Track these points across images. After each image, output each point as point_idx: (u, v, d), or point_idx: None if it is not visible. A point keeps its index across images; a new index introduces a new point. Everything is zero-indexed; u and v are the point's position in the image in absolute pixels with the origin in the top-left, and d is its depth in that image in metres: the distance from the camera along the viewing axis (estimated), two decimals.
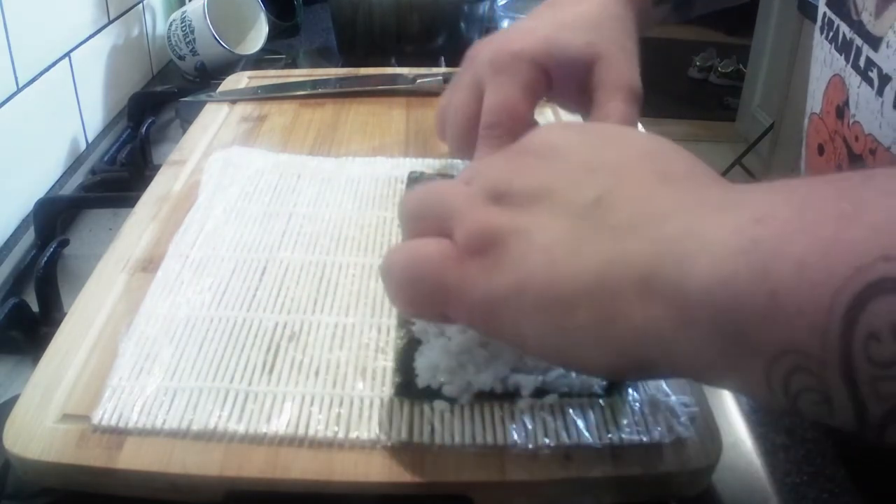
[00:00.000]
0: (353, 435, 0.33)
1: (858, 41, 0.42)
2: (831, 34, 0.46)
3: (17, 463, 0.33)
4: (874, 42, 0.39)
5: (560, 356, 0.28)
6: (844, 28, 0.44)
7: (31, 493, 0.34)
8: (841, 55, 0.44)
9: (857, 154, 0.44)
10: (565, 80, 0.43)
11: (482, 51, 0.44)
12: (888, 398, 0.20)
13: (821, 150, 0.50)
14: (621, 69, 0.41)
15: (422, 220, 0.31)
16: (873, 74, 0.40)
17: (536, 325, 0.27)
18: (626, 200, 0.26)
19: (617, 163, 0.28)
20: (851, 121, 0.44)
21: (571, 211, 0.27)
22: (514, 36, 0.43)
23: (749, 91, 2.90)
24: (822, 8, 0.48)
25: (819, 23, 0.49)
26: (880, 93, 0.39)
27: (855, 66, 0.42)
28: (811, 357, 0.21)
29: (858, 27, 0.42)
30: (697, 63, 3.37)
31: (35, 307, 0.47)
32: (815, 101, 0.50)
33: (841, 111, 0.45)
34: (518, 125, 0.40)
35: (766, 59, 2.72)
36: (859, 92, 0.42)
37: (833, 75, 0.46)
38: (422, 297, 0.30)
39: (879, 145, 0.41)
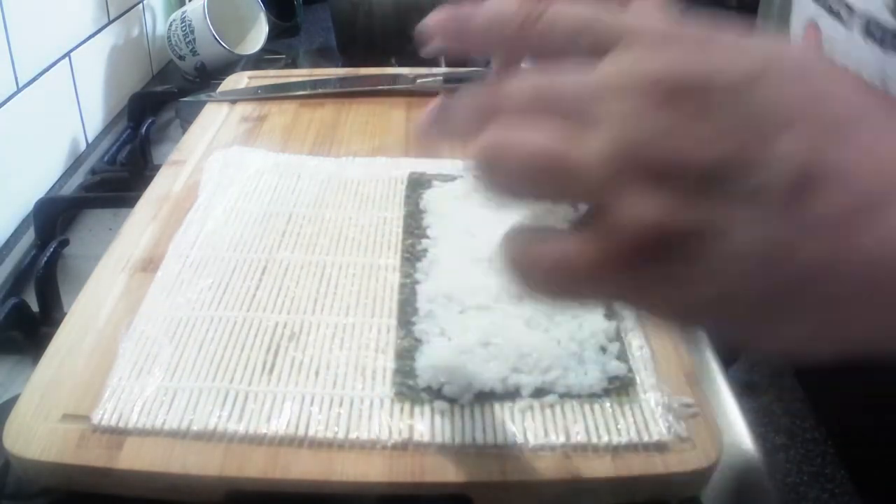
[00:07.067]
0: (353, 435, 0.33)
1: None
2: None
3: (17, 463, 0.33)
4: None
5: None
6: None
7: (31, 493, 0.34)
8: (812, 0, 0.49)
9: None
10: None
11: None
12: None
13: None
14: None
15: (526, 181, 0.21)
16: (841, 10, 0.44)
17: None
18: (848, 173, 0.19)
19: (813, 99, 0.19)
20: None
21: (770, 198, 0.19)
22: None
23: None
24: None
25: None
26: (849, 26, 0.43)
27: (823, 5, 0.46)
28: None
29: None
30: None
31: (35, 307, 0.46)
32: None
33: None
34: None
35: None
36: (832, 33, 0.46)
37: (808, 22, 0.50)
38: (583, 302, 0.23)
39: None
